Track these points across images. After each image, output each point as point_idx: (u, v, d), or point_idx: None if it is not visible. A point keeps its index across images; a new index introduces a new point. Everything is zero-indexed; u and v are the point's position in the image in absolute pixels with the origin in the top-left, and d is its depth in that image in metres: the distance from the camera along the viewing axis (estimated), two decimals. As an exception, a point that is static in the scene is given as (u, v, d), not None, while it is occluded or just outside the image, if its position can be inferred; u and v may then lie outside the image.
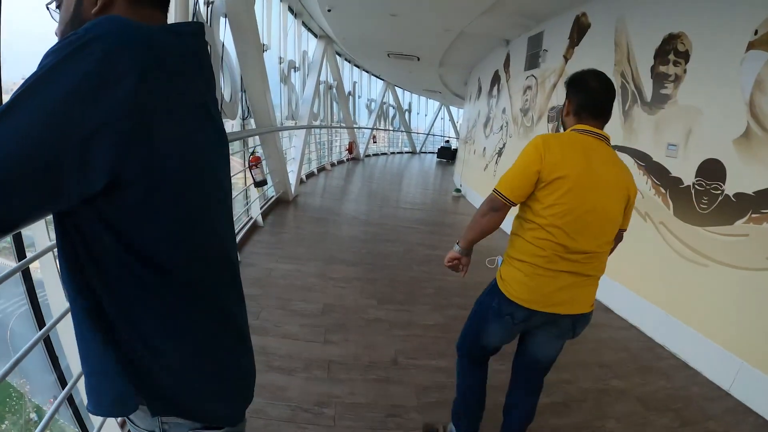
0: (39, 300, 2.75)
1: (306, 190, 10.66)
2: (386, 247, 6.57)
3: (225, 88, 5.86)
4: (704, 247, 4.01)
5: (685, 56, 4.44)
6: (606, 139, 2.00)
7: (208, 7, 5.17)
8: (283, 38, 9.48)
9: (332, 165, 15.40)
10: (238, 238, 5.78)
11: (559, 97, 6.92)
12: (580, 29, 6.53)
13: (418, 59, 13.31)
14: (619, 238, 2.18)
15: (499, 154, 9.68)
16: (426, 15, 8.49)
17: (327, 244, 6.41)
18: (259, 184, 6.25)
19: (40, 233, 2.70)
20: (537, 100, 7.83)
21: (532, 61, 8.23)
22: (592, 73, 2.01)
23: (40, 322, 2.69)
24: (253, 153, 6.14)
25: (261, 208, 7.24)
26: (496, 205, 2.07)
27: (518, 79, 8.91)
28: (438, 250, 6.70)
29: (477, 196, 10.90)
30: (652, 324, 4.56)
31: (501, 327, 2.15)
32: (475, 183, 11.33)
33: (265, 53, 7.65)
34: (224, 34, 5.62)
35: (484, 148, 11.00)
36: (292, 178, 9.50)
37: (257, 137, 7.26)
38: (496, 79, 10.67)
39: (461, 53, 11.60)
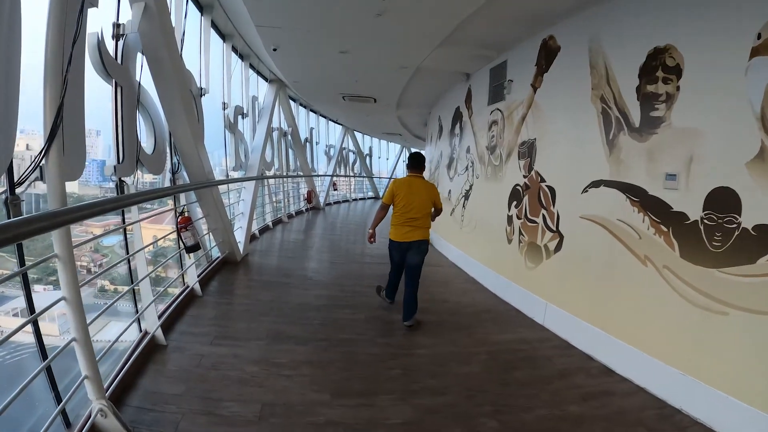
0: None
1: (258, 247, 9.76)
2: (344, 315, 5.70)
3: (145, 138, 5.02)
4: (721, 292, 3.46)
5: (677, 71, 3.92)
6: (420, 176, 5.53)
7: (116, 41, 4.37)
8: (227, 81, 8.69)
9: (290, 216, 14.52)
10: (167, 313, 4.87)
11: (530, 130, 6.38)
12: (548, 54, 6.01)
13: (375, 101, 12.88)
14: (437, 212, 5.59)
15: (466, 197, 9.06)
16: (378, 51, 7.97)
17: (275, 315, 5.48)
18: (191, 249, 5.36)
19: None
20: (505, 136, 7.26)
21: (497, 93, 7.72)
22: (412, 154, 5.67)
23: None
24: (182, 213, 5.25)
25: (200, 275, 6.29)
26: (383, 206, 5.53)
27: (482, 114, 8.39)
28: None
29: (445, 244, 10.25)
30: (664, 384, 3.93)
31: (394, 251, 5.56)
32: (442, 229, 10.60)
33: (203, 98, 6.93)
34: (143, 75, 4.83)
35: (449, 191, 10.37)
36: (241, 236, 8.62)
37: (193, 194, 6.39)
38: (457, 117, 10.16)
39: (419, 92, 11.18)
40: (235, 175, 9.12)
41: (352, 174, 25.24)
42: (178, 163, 5.88)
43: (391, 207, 5.47)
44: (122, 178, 4.32)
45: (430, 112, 14.20)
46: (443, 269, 8.86)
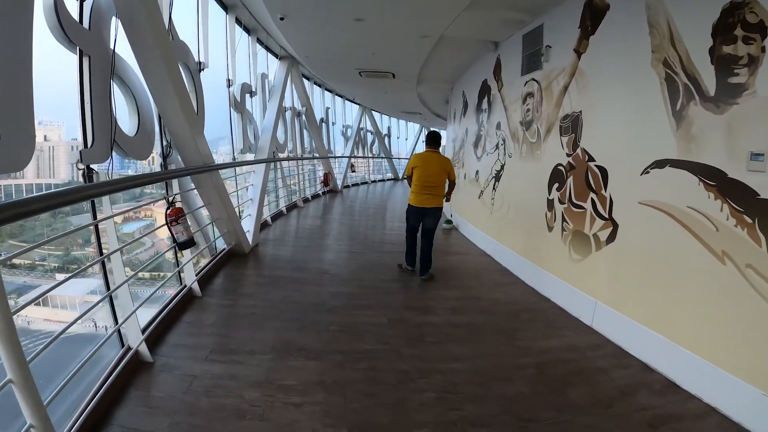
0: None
1: (270, 235, 9.06)
2: (364, 317, 4.93)
3: (128, 118, 4.29)
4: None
5: (761, 29, 3.11)
6: (436, 151, 6.40)
7: (81, 2, 3.63)
8: (231, 57, 7.92)
9: (305, 201, 13.82)
10: (157, 320, 4.18)
11: (574, 101, 5.52)
12: (594, 14, 5.11)
13: (394, 76, 12.08)
14: (451, 184, 6.45)
15: (497, 178, 8.22)
16: (398, 19, 7.16)
17: (284, 319, 4.75)
18: (184, 245, 4.64)
19: None
20: (543, 109, 6.37)
21: (532, 62, 6.82)
22: (429, 132, 6.73)
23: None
24: (171, 204, 4.52)
25: (199, 272, 5.59)
26: (407, 177, 6.51)
27: (514, 86, 7.50)
28: (433, 314, 5.17)
29: (472, 229, 9.44)
30: (741, 405, 3.24)
31: (412, 216, 6.43)
32: (470, 213, 9.86)
33: (202, 73, 6.20)
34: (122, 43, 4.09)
35: (477, 172, 9.55)
36: (250, 224, 7.92)
37: (186, 182, 5.72)
38: (485, 91, 9.27)
39: (442, 64, 10.35)
40: (245, 158, 8.40)
41: (370, 155, 24.42)
42: (170, 146, 5.15)
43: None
44: (91, 166, 3.59)
45: (453, 88, 13.42)
46: (472, 258, 8.07)
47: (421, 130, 31.05)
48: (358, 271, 6.86)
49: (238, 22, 8.36)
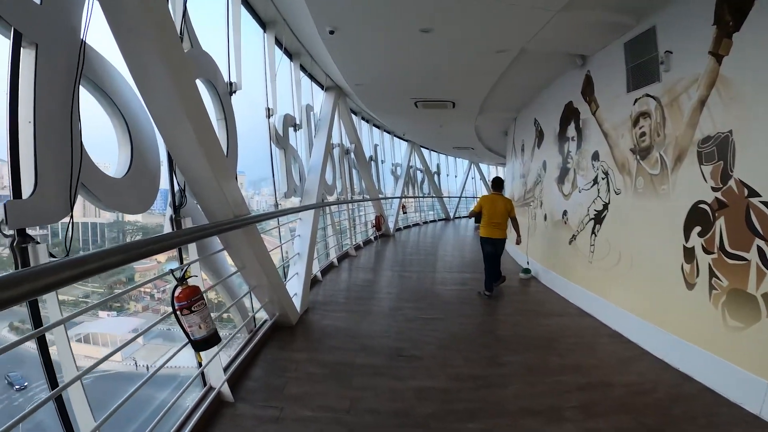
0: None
1: (321, 295, 7.41)
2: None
3: (117, 149, 2.82)
4: None
5: None
6: (500, 194, 7.82)
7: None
8: (271, 81, 6.54)
9: (357, 248, 12.21)
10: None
11: (718, 119, 4.17)
12: (736, 4, 3.87)
13: (454, 105, 10.67)
14: (513, 222, 7.74)
15: (597, 220, 6.50)
16: (472, 28, 5.86)
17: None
18: (203, 344, 3.05)
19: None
20: (666, 132, 4.90)
21: (642, 74, 5.40)
22: (494, 178, 8.01)
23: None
24: (182, 281, 2.95)
25: (230, 364, 4.02)
26: (473, 213, 7.88)
27: (617, 105, 5.99)
28: (563, 420, 3.60)
29: (561, 282, 7.73)
30: None
31: (485, 244, 7.64)
32: (556, 261, 8.13)
33: (234, 97, 4.83)
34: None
35: (564, 213, 7.80)
36: (297, 286, 6.37)
37: (209, 242, 4.19)
38: (570, 115, 7.65)
39: (512, 88, 9.01)
40: (287, 204, 6.90)
41: (420, 194, 22.87)
42: (183, 192, 3.64)
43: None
44: (24, 229, 2.10)
45: (516, 118, 12.06)
46: (573, 321, 6.27)
47: (470, 167, 29.79)
48: (442, 350, 5.11)
49: (278, 43, 7.07)
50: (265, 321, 5.46)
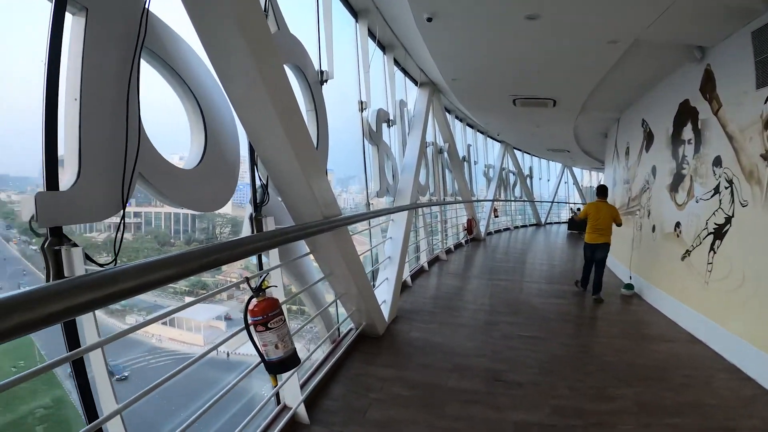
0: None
1: (410, 302, 6.84)
2: None
3: (190, 135, 2.42)
4: None
5: None
6: (604, 201, 7.98)
7: None
8: (365, 73, 6.10)
9: (448, 252, 11.57)
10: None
11: None
12: None
13: (555, 103, 9.80)
14: (617, 224, 7.82)
15: (717, 235, 5.50)
16: (585, 14, 5.23)
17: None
18: (279, 366, 2.59)
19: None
20: None
21: None
22: (599, 186, 8.68)
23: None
24: (259, 291, 2.49)
25: (307, 381, 3.60)
26: (581, 219, 8.38)
27: (744, 105, 5.02)
28: None
29: (670, 301, 6.75)
30: None
31: (587, 250, 7.96)
32: (663, 278, 7.11)
33: (324, 86, 4.39)
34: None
35: (677, 224, 6.76)
36: (386, 292, 5.89)
37: (294, 247, 3.79)
38: (687, 115, 6.61)
39: (618, 84, 8.13)
40: (380, 204, 6.45)
41: (512, 198, 21.87)
42: (265, 188, 3.21)
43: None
44: (60, 228, 1.74)
45: (619, 118, 11.07)
46: (683, 348, 5.34)
47: (563, 171, 28.18)
48: (544, 376, 4.42)
49: (371, 35, 6.65)
50: (350, 330, 5.01)
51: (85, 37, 1.88)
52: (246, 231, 3.16)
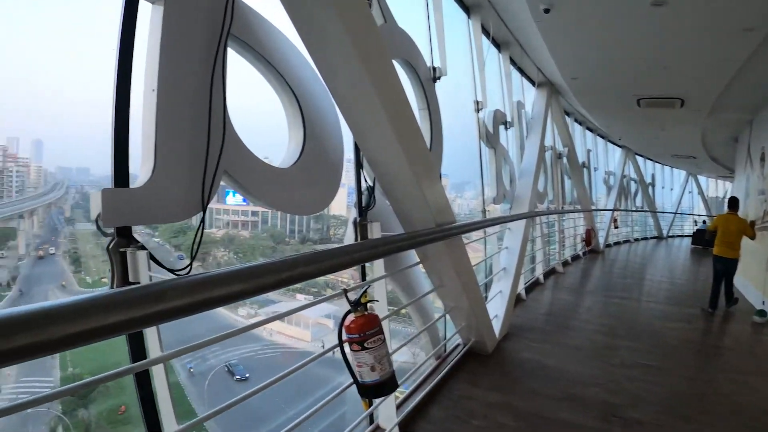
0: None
1: (523, 318, 6.25)
2: None
3: (288, 130, 2.17)
4: None
5: None
6: (734, 213, 7.50)
7: None
8: (480, 71, 5.72)
9: (565, 264, 10.76)
10: None
11: None
12: None
13: (682, 103, 8.94)
14: (749, 236, 7.29)
15: None
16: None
17: None
18: (375, 390, 2.27)
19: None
20: None
21: None
22: (731, 198, 7.91)
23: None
24: (358, 305, 2.17)
25: (403, 403, 3.27)
26: (710, 231, 8.12)
27: None
28: None
29: None
30: None
31: (717, 262, 7.36)
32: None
33: (438, 81, 4.21)
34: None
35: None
36: (499, 306, 5.41)
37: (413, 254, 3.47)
38: None
39: (753, 80, 7.26)
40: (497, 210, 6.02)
41: (633, 208, 20.26)
42: (371, 192, 2.90)
43: None
44: (129, 228, 1.55)
45: (753, 120, 10.10)
46: None
47: (687, 180, 25.92)
48: (667, 416, 3.69)
49: (485, 32, 6.28)
50: (457, 346, 4.60)
51: (164, 25, 1.71)
52: (349, 237, 2.87)
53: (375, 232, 2.83)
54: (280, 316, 2.32)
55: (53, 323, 0.96)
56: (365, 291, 2.25)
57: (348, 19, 2.24)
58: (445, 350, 4.46)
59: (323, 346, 2.41)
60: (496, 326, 5.05)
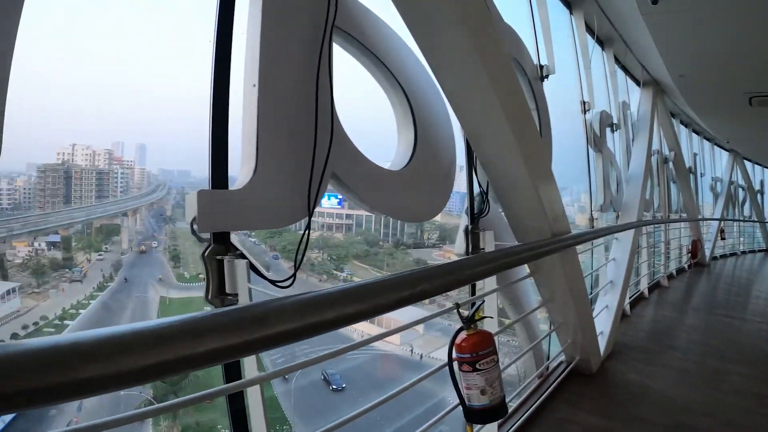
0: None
1: (627, 337, 5.65)
2: None
3: (400, 128, 1.98)
4: None
5: None
6: None
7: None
8: (585, 70, 5.37)
9: (669, 278, 9.95)
10: None
11: None
12: None
13: None
14: None
15: None
16: None
17: None
18: (477, 415, 2.03)
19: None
20: None
21: None
22: None
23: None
24: (471, 322, 1.92)
25: (503, 424, 3.06)
26: None
27: None
28: None
29: None
30: None
31: None
32: None
33: (545, 81, 3.96)
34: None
35: None
36: (605, 322, 5.00)
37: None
38: None
39: None
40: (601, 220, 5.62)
41: (741, 218, 18.65)
42: (485, 196, 2.64)
43: None
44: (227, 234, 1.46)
45: None
46: None
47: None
48: None
49: (589, 30, 5.92)
50: (560, 364, 4.20)
51: (264, 15, 1.56)
52: (459, 246, 2.60)
53: (488, 241, 2.55)
54: (396, 330, 2.35)
55: (127, 352, 0.77)
56: (479, 306, 2.00)
57: (465, 11, 1.99)
58: (547, 368, 4.11)
59: (411, 351, 2.21)
60: (601, 344, 4.62)
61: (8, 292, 19.89)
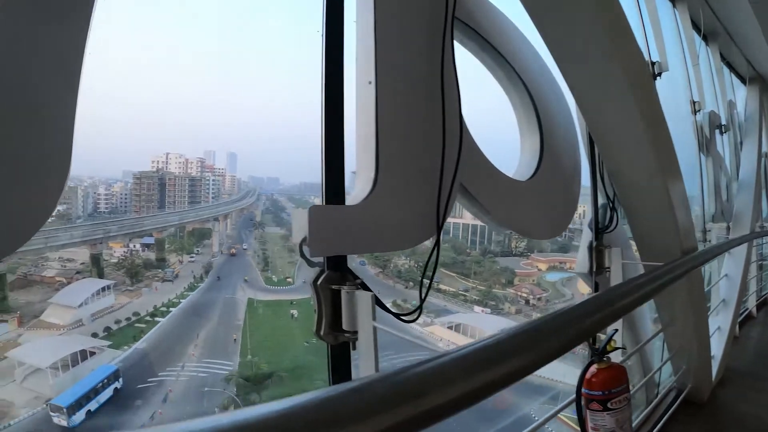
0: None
1: (737, 361, 5.00)
2: None
3: (524, 135, 1.74)
4: None
5: None
6: None
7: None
8: (693, 68, 4.92)
9: (775, 294, 9.05)
10: None
11: None
12: None
13: None
14: None
15: None
16: None
17: None
18: None
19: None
20: None
21: None
22: None
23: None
24: (602, 354, 1.63)
25: None
26: None
27: None
28: None
29: None
30: None
31: None
32: None
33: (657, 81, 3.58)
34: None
35: None
36: (717, 346, 4.45)
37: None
38: None
39: None
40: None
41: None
42: (612, 207, 2.33)
43: None
44: (344, 258, 1.23)
45: None
46: None
47: None
48: None
49: (695, 27, 5.42)
50: (670, 390, 3.75)
51: (376, 6, 1.34)
52: (582, 263, 2.29)
53: (614, 259, 2.21)
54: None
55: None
56: (612, 336, 1.71)
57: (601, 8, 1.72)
58: (656, 395, 3.69)
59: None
60: (713, 369, 4.14)
61: (103, 289, 21.28)
